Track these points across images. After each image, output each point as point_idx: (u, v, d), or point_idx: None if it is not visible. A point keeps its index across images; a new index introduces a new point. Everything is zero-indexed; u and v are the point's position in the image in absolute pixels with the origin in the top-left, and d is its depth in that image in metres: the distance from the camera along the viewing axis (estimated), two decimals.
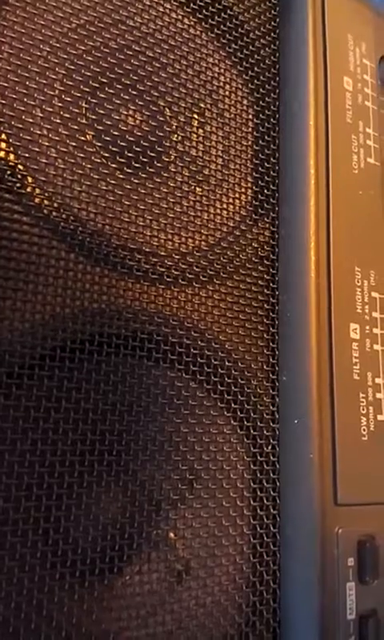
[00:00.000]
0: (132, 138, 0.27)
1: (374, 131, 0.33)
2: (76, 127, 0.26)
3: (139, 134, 0.27)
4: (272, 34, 0.33)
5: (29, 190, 0.24)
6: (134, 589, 0.23)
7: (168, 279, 0.27)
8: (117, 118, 0.27)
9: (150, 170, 0.27)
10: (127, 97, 0.27)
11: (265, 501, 0.27)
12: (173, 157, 0.28)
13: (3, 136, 0.24)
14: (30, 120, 0.24)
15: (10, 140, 0.24)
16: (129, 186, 0.26)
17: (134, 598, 0.23)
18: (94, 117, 0.26)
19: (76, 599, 0.22)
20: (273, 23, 0.33)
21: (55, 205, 0.24)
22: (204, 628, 0.24)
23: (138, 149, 0.27)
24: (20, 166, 0.24)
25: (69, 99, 0.26)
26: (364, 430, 0.28)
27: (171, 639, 0.24)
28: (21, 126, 0.24)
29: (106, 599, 0.23)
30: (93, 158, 0.26)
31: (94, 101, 0.26)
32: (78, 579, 0.22)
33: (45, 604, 0.21)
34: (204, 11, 0.31)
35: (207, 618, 0.24)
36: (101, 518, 0.23)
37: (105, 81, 0.27)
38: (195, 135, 0.29)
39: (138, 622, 0.23)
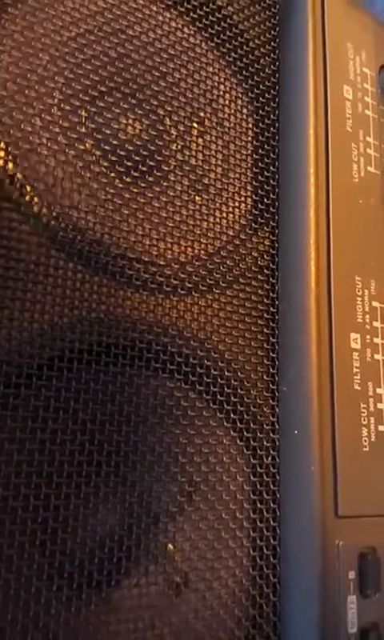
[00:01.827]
0: (131, 147, 0.27)
1: (374, 140, 0.33)
2: (75, 136, 0.26)
3: (139, 142, 0.27)
4: (272, 43, 0.33)
5: (28, 198, 0.24)
6: (131, 602, 0.23)
7: (167, 288, 0.26)
8: (116, 126, 0.27)
9: (150, 178, 0.27)
10: (127, 105, 0.27)
11: (264, 513, 0.27)
12: (172, 166, 0.28)
13: (2, 144, 0.24)
14: (30, 129, 0.24)
15: (9, 148, 0.24)
16: (128, 195, 0.26)
17: (131, 611, 0.23)
18: (93, 125, 0.26)
19: (73, 612, 0.22)
20: (272, 32, 0.33)
21: (54, 213, 0.24)
22: None
23: (137, 157, 0.27)
24: (19, 175, 0.24)
25: (68, 108, 0.26)
26: (365, 440, 0.28)
27: None
28: (20, 134, 0.24)
29: (103, 612, 0.22)
30: (92, 166, 0.26)
31: (93, 109, 0.26)
32: (74, 591, 0.22)
33: (41, 616, 0.21)
34: (203, 20, 0.31)
35: (206, 632, 0.24)
36: (98, 530, 0.23)
37: (104, 89, 0.27)
38: (195, 144, 0.29)
39: (135, 636, 0.23)
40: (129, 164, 0.27)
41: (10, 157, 0.24)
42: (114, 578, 0.23)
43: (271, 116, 0.32)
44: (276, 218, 0.31)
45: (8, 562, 0.21)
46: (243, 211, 0.30)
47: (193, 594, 0.24)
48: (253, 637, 0.25)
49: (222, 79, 0.31)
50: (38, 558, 0.21)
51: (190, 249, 0.28)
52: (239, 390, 0.27)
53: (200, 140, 0.29)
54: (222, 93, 0.31)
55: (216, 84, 0.31)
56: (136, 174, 0.27)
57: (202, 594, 0.24)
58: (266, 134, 0.31)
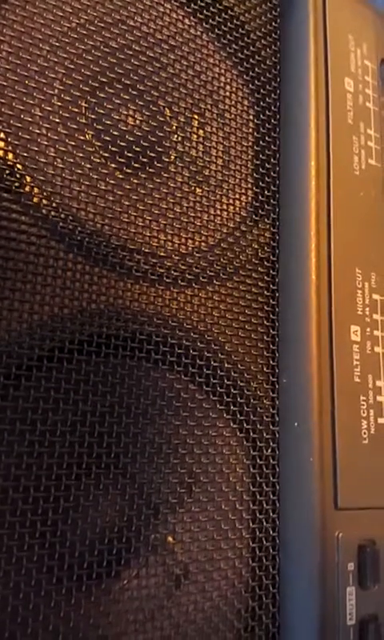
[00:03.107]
0: (132, 138, 0.27)
1: (375, 132, 0.33)
2: (75, 127, 0.25)
3: (139, 134, 0.27)
4: (273, 35, 0.33)
5: (27, 189, 0.24)
6: (131, 593, 0.23)
7: (167, 280, 0.26)
8: (117, 117, 0.27)
9: (150, 170, 0.27)
10: (127, 97, 0.27)
11: (264, 504, 0.27)
12: (173, 157, 0.28)
13: (2, 135, 0.23)
14: (29, 119, 0.24)
15: (9, 139, 0.24)
16: (128, 186, 0.26)
17: (131, 602, 0.23)
18: (93, 116, 0.26)
19: (73, 603, 0.22)
20: (274, 24, 0.33)
21: (54, 204, 0.24)
22: (202, 633, 0.24)
23: (137, 149, 0.27)
24: (19, 166, 0.24)
25: (68, 98, 0.25)
26: (364, 433, 0.28)
27: None
28: (20, 125, 0.24)
29: (103, 604, 0.22)
30: (92, 157, 0.26)
31: (93, 100, 0.26)
32: (75, 583, 0.22)
33: (41, 608, 0.21)
34: (205, 12, 0.30)
35: (206, 623, 0.24)
36: (98, 522, 0.23)
37: (105, 80, 0.27)
38: (195, 136, 0.29)
39: (135, 627, 0.23)
40: (129, 155, 0.27)
41: (10, 147, 0.24)
42: (114, 570, 0.23)
43: (272, 108, 0.32)
44: (277, 210, 0.30)
45: (8, 554, 0.21)
46: (244, 203, 0.30)
47: (193, 586, 0.24)
48: (252, 628, 0.25)
49: (222, 71, 0.31)
50: (38, 550, 0.21)
51: (190, 240, 0.27)
52: (239, 382, 0.27)
53: (200, 131, 0.29)
54: (222, 84, 0.31)
55: (217, 76, 0.30)
56: (136, 166, 0.27)
57: (202, 586, 0.24)
58: (266, 125, 0.31)
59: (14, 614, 0.20)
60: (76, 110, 0.26)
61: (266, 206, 0.30)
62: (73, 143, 0.25)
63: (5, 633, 0.20)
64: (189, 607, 0.24)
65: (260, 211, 0.30)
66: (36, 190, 0.24)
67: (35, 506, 0.21)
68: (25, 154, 0.24)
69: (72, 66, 0.26)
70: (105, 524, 0.23)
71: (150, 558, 0.24)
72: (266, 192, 0.30)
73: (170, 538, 0.24)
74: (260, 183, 0.30)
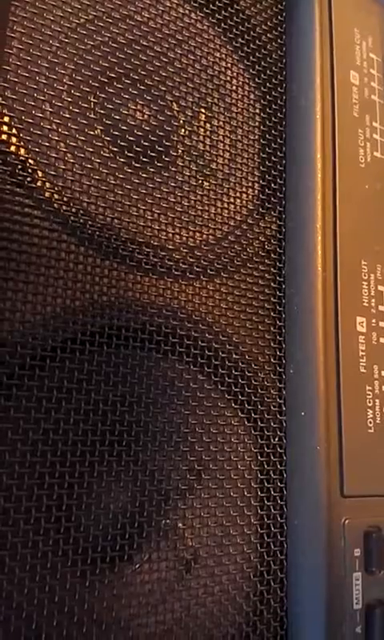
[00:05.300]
0: (140, 133, 0.27)
1: (380, 125, 0.33)
2: (85, 122, 0.26)
3: (147, 128, 0.28)
4: (278, 29, 0.33)
5: (39, 184, 0.24)
6: (143, 577, 0.24)
7: (176, 273, 0.27)
8: (125, 112, 0.27)
9: (158, 164, 0.28)
10: (135, 91, 0.27)
11: (272, 492, 0.27)
12: (180, 151, 0.29)
13: (14, 130, 0.24)
14: (40, 115, 0.25)
15: (21, 134, 0.24)
16: (137, 180, 0.27)
17: (143, 585, 0.23)
18: (102, 111, 0.26)
19: (87, 586, 0.22)
20: (279, 17, 0.33)
21: (65, 199, 0.25)
22: (212, 616, 0.25)
23: (145, 143, 0.27)
24: (30, 161, 0.24)
25: (78, 94, 0.26)
26: (370, 422, 0.28)
27: (180, 627, 0.24)
28: (31, 120, 0.24)
29: (116, 587, 0.23)
30: (101, 152, 0.26)
31: (102, 96, 0.27)
32: (89, 567, 0.22)
33: (57, 591, 0.21)
34: (210, 6, 0.31)
35: (215, 607, 0.25)
36: (111, 507, 0.23)
37: (113, 76, 0.27)
38: (202, 130, 0.30)
39: (147, 610, 0.23)
40: (137, 149, 0.27)
41: (22, 143, 0.24)
42: (127, 554, 0.23)
43: (278, 101, 0.32)
44: (283, 202, 0.31)
45: (25, 538, 0.21)
46: (250, 196, 0.30)
47: (202, 570, 0.25)
48: (260, 612, 0.26)
49: (229, 65, 0.31)
50: (53, 535, 0.22)
51: (198, 233, 0.28)
52: (247, 372, 0.28)
53: (207, 125, 0.30)
54: (229, 79, 0.31)
55: (223, 70, 0.31)
56: (144, 160, 0.27)
57: (212, 570, 0.25)
58: (273, 119, 0.32)
59: (30, 596, 0.21)
60: (85, 105, 0.26)
61: (272, 199, 0.31)
62: (82, 138, 0.26)
63: (23, 614, 0.21)
64: (199, 591, 0.25)
65: (266, 204, 0.30)
66: (47, 184, 0.24)
67: (50, 492, 0.22)
68: (36, 150, 0.24)
69: (81, 62, 0.26)
70: (117, 509, 0.24)
71: (161, 542, 0.24)
72: (272, 185, 0.31)
73: (180, 524, 0.25)
74: (266, 176, 0.31)
